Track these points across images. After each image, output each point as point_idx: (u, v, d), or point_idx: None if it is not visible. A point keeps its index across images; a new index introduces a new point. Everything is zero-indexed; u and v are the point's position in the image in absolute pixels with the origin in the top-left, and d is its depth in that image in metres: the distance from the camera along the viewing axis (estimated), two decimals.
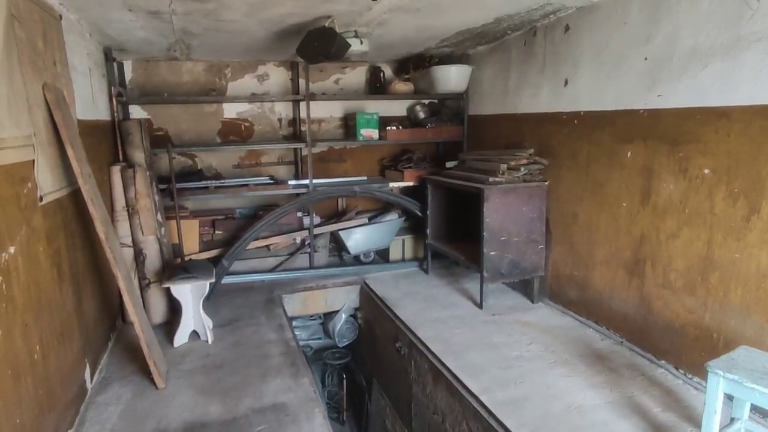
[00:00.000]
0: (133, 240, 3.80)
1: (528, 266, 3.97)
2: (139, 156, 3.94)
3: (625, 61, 3.06)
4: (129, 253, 3.77)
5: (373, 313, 4.51)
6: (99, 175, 3.46)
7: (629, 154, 3.08)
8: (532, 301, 4.10)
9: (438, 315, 3.90)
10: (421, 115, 5.30)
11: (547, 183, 3.88)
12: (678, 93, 2.72)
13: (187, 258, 4.39)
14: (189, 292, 3.48)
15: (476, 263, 3.93)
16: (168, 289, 3.52)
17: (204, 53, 4.53)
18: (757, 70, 2.31)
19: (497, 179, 3.83)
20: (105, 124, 3.84)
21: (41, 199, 2.26)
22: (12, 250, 1.91)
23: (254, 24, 3.41)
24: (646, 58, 2.91)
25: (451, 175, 4.39)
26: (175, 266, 3.76)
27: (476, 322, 3.76)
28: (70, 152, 2.51)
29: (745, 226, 2.42)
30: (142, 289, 3.80)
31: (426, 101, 5.44)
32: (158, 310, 3.85)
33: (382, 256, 5.34)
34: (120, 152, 4.01)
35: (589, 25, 3.35)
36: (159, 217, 3.97)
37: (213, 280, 3.55)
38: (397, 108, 5.49)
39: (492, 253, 3.83)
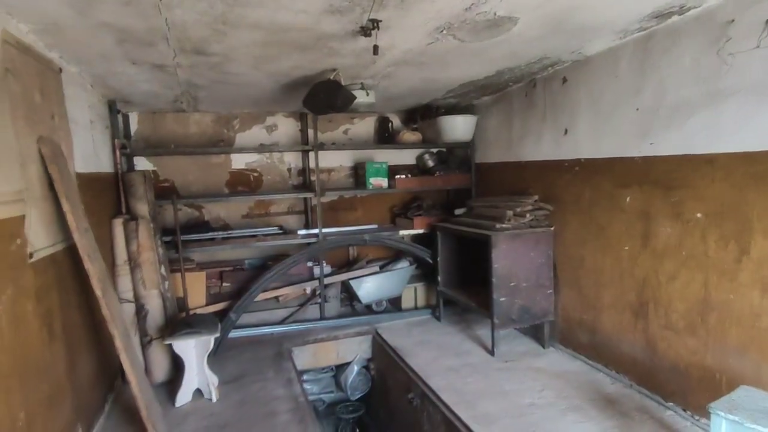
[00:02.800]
0: (135, 295, 3.86)
1: (538, 311, 4.16)
2: (142, 208, 4.08)
3: (618, 111, 3.38)
4: (130, 308, 3.82)
5: (386, 363, 4.66)
6: (100, 229, 3.48)
7: (628, 199, 3.34)
8: (543, 346, 4.27)
9: (450, 363, 4.06)
10: (430, 163, 5.64)
11: (552, 228, 4.13)
12: (668, 141, 3.01)
13: (191, 312, 4.57)
14: (192, 349, 3.56)
15: (487, 309, 4.11)
16: (170, 346, 3.59)
17: (212, 105, 4.81)
18: (735, 120, 2.59)
19: (504, 225, 4.08)
20: (107, 177, 3.98)
21: (31, 255, 2.28)
22: None
23: (261, 76, 3.65)
24: (637, 109, 3.22)
25: (460, 222, 4.66)
26: (178, 321, 3.87)
27: (489, 369, 3.92)
28: (65, 206, 2.55)
29: (737, 268, 2.63)
30: (144, 346, 3.85)
31: (434, 150, 5.78)
32: (161, 368, 3.89)
33: (395, 304, 5.54)
34: (123, 205, 4.15)
35: (584, 78, 3.69)
36: (162, 270, 4.10)
37: (218, 334, 3.65)
38: (406, 157, 5.84)
39: (502, 299, 4.04)
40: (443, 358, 4.19)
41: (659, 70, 3.05)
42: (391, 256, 5.76)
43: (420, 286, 5.54)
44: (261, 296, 4.85)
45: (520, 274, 4.09)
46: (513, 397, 3.44)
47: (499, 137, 4.94)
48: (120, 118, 4.65)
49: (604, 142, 3.54)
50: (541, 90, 4.22)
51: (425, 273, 5.55)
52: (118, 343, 2.84)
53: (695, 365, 2.94)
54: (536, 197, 4.22)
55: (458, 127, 5.11)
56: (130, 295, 3.85)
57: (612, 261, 3.54)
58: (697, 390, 2.93)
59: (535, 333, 4.43)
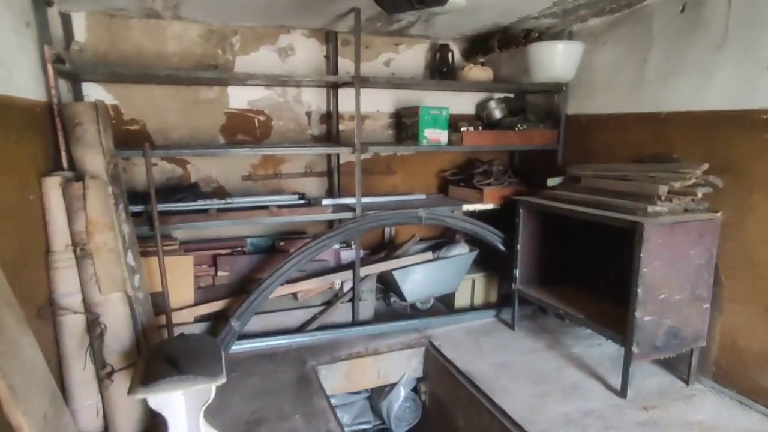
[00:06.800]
0: (85, 301, 2.37)
1: (689, 335, 2.69)
2: (94, 161, 2.47)
3: None
4: (77, 323, 2.34)
5: (448, 389, 3.15)
6: (21, 194, 2.16)
7: None
8: (686, 383, 2.82)
9: (564, 409, 2.58)
10: (497, 113, 3.95)
11: (719, 214, 2.66)
12: None
13: (175, 324, 2.96)
14: (180, 403, 2.04)
15: (613, 329, 2.71)
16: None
17: (200, 9, 3.08)
18: None
19: (658, 209, 2.57)
20: (31, 107, 2.39)
21: None
22: None
23: None
24: None
25: (566, 199, 3.07)
26: (154, 352, 2.21)
27: (627, 423, 2.47)
28: None
29: None
30: (101, 381, 2.37)
31: (501, 95, 4.13)
32: (128, 416, 2.45)
33: (444, 301, 3.97)
34: (63, 155, 2.55)
35: None
36: (130, 259, 2.52)
37: (223, 379, 2.05)
38: (463, 103, 4.13)
39: (647, 318, 2.54)
40: (549, 399, 2.68)
41: None
42: (437, 236, 4.18)
43: (479, 278, 3.95)
44: (274, 292, 3.18)
45: (673, 281, 2.58)
46: None
47: (617, 77, 3.26)
48: (58, 17, 2.96)
49: None
50: (721, 1, 2.60)
51: (481, 259, 3.95)
52: None
53: None
54: (706, 166, 2.68)
55: (557, 61, 3.33)
56: (76, 302, 2.37)
57: None
58: None
59: (668, 360, 2.94)
